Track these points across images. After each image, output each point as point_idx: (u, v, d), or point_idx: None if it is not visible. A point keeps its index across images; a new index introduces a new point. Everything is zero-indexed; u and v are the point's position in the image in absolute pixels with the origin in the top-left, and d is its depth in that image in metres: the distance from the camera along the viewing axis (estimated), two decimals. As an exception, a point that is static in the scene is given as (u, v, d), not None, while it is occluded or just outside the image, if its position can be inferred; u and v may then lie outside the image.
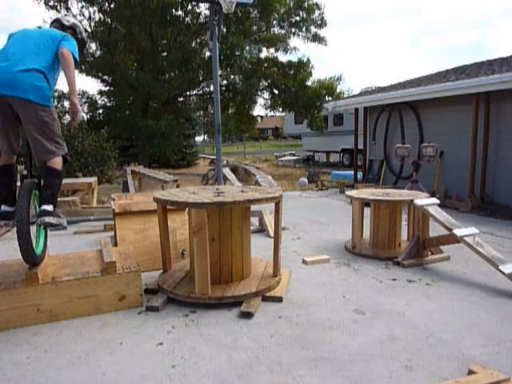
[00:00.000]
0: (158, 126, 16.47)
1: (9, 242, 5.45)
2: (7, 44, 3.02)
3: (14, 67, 2.79)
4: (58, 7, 17.78)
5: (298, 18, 17.45)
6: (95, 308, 3.07)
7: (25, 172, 3.16)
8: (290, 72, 17.54)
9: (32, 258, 2.93)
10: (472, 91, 7.11)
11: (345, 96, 20.18)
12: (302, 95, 16.81)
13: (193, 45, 17.57)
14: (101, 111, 20.87)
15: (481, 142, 7.27)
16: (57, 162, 2.97)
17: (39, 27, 3.33)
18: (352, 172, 11.42)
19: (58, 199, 7.02)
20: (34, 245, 2.92)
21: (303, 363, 2.42)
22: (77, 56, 3.11)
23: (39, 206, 2.99)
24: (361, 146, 10.49)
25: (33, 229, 2.95)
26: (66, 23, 3.39)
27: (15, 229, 2.81)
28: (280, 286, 3.49)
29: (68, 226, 6.17)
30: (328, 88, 18.56)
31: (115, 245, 4.23)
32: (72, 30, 3.39)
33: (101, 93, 20.60)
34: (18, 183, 3.04)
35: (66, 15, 3.58)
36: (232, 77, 17.95)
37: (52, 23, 3.40)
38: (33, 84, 2.82)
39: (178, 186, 7.90)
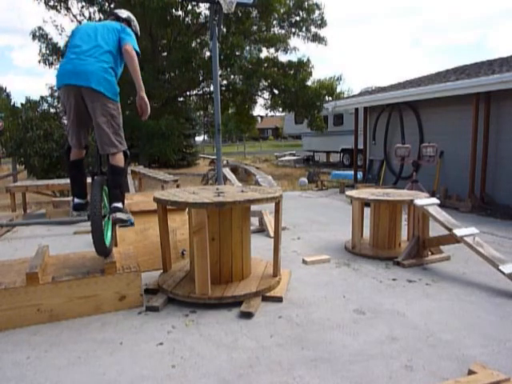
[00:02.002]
0: (158, 126, 16.46)
1: (9, 242, 5.46)
2: (75, 38, 3.12)
3: (87, 61, 2.93)
4: (58, 7, 17.80)
5: (298, 18, 17.44)
6: (95, 308, 3.07)
7: (94, 170, 3.34)
8: (290, 72, 17.53)
9: (104, 250, 3.11)
10: (472, 91, 7.11)
11: (345, 96, 20.20)
12: (302, 95, 16.80)
13: (193, 45, 17.56)
14: (101, 111, 20.85)
15: (481, 142, 7.27)
16: (119, 159, 3.13)
17: (99, 21, 3.46)
18: (352, 172, 11.42)
19: (58, 199, 7.03)
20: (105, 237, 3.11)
21: (303, 363, 2.42)
22: (138, 49, 3.22)
23: (109, 204, 3.16)
24: (361, 146, 10.49)
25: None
26: (122, 16, 3.50)
27: (90, 222, 2.98)
28: (280, 286, 3.49)
29: (68, 226, 6.20)
30: (328, 88, 18.58)
31: (115, 245, 4.22)
32: (127, 22, 3.47)
33: (101, 93, 20.59)
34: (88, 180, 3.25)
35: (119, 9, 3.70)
36: (232, 77, 17.94)
37: (109, 16, 3.53)
38: (104, 77, 2.96)
39: (178, 186, 7.90)
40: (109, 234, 3.33)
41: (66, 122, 3.13)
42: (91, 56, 2.97)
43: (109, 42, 3.09)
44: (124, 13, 3.54)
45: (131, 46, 3.11)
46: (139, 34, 3.58)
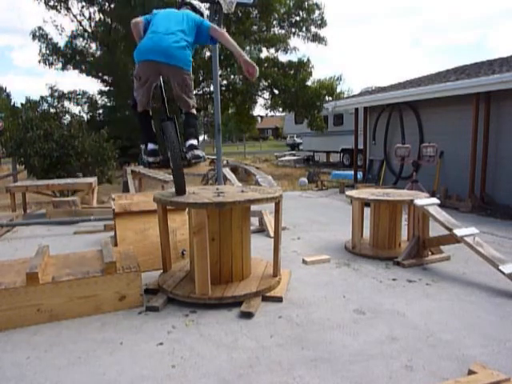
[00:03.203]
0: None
1: (9, 242, 5.46)
2: (155, 19, 3.42)
3: (169, 39, 3.23)
4: (58, 7, 17.81)
5: (298, 18, 17.46)
6: (95, 308, 3.07)
7: (161, 117, 3.56)
8: (290, 72, 17.55)
9: (183, 187, 3.35)
10: (472, 91, 7.11)
11: (345, 96, 20.19)
12: (302, 95, 16.82)
13: (193, 45, 17.56)
14: (101, 111, 20.88)
15: (481, 142, 7.27)
16: (193, 110, 3.49)
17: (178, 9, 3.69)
18: (352, 172, 11.42)
19: (58, 199, 7.04)
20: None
21: (303, 363, 2.42)
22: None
23: (184, 142, 3.43)
24: (361, 146, 10.49)
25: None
26: (197, 6, 3.76)
27: (171, 163, 3.28)
28: (280, 286, 3.49)
29: (68, 226, 6.21)
30: (328, 88, 18.60)
31: (115, 245, 4.23)
32: (200, 14, 3.69)
33: (101, 93, 20.62)
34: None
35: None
36: (232, 77, 17.95)
37: (184, 5, 3.73)
38: (182, 53, 3.27)
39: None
40: None
41: (135, 85, 3.41)
42: (170, 35, 3.26)
43: (186, 26, 3.38)
44: (198, 4, 3.82)
45: (214, 25, 3.49)
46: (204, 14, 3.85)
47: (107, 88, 20.34)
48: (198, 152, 3.38)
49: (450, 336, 2.71)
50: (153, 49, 3.23)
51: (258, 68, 3.39)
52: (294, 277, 3.83)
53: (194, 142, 3.42)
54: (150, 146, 3.55)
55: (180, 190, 3.37)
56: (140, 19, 3.49)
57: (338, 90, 20.81)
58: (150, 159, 3.56)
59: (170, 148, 3.25)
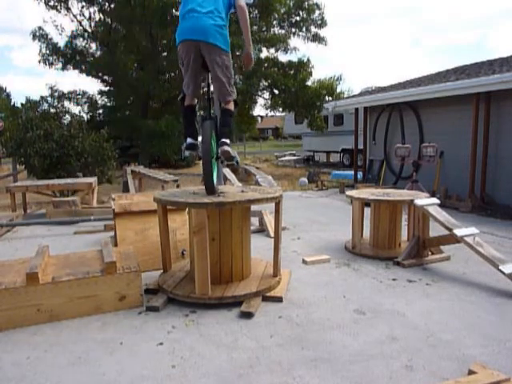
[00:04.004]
0: (158, 126, 16.46)
1: (9, 242, 5.46)
2: (191, 2, 3.39)
3: (206, 18, 3.28)
4: (59, 7, 17.80)
5: (298, 18, 17.45)
6: (95, 308, 3.07)
7: (204, 114, 3.66)
8: (290, 72, 17.54)
9: (211, 186, 3.39)
10: (472, 91, 7.10)
11: (345, 96, 20.18)
12: (302, 95, 16.81)
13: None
14: (101, 111, 20.89)
15: (481, 142, 7.26)
16: (231, 105, 3.51)
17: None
18: (352, 172, 11.42)
19: (58, 199, 7.04)
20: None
21: (303, 363, 2.42)
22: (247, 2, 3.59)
23: (217, 141, 3.49)
24: (361, 146, 10.49)
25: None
26: None
27: (201, 160, 3.35)
28: (280, 286, 3.49)
29: (68, 226, 6.20)
30: (328, 88, 18.57)
31: (115, 245, 4.23)
32: None
33: (101, 93, 20.62)
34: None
35: None
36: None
37: None
38: (220, 32, 3.32)
39: (178, 186, 7.90)
40: (215, 173, 3.61)
41: (183, 72, 3.50)
42: (207, 15, 3.30)
43: (221, 5, 3.42)
44: None
45: (243, 2, 3.49)
46: None
47: (107, 88, 20.35)
48: (228, 149, 3.39)
49: (450, 336, 2.71)
50: (191, 28, 3.30)
51: (252, 64, 3.60)
52: (294, 277, 3.83)
53: (227, 140, 3.43)
54: (189, 140, 3.62)
55: (208, 189, 3.41)
56: None
57: (338, 90, 20.79)
58: (187, 153, 3.67)
59: (203, 148, 3.31)
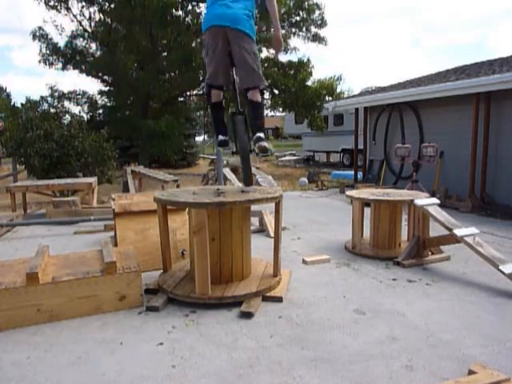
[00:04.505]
0: (158, 126, 16.46)
1: (9, 242, 5.46)
2: None
3: (232, 6, 3.32)
4: (59, 7, 17.79)
5: (298, 18, 17.46)
6: (95, 308, 3.07)
7: (234, 110, 3.67)
8: (290, 72, 17.54)
9: (250, 180, 3.51)
10: (472, 91, 7.10)
11: (345, 96, 20.16)
12: (302, 95, 16.81)
13: (193, 45, 17.56)
14: (101, 111, 20.90)
15: (481, 142, 7.26)
16: (257, 96, 3.44)
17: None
18: (352, 172, 11.42)
19: (58, 199, 7.04)
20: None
21: (303, 363, 2.42)
22: None
23: (252, 135, 3.47)
24: (361, 146, 10.49)
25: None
26: None
27: (239, 156, 3.45)
28: (280, 286, 3.49)
29: (68, 226, 6.20)
30: (328, 88, 18.57)
31: (115, 245, 4.22)
32: None
33: (101, 93, 20.64)
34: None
35: None
36: (232, 77, 17.93)
37: None
38: (247, 20, 3.36)
39: (178, 186, 7.90)
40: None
41: (206, 61, 3.48)
42: (235, 3, 3.34)
43: None
44: None
45: None
46: None
47: (107, 88, 20.36)
48: (264, 143, 3.39)
49: (450, 336, 2.71)
50: (219, 15, 3.31)
51: (282, 49, 3.61)
52: (294, 277, 3.83)
53: (261, 134, 3.42)
54: (220, 137, 3.65)
55: (247, 182, 3.55)
56: None
57: (338, 90, 20.77)
58: (221, 149, 3.72)
59: (240, 144, 3.38)
